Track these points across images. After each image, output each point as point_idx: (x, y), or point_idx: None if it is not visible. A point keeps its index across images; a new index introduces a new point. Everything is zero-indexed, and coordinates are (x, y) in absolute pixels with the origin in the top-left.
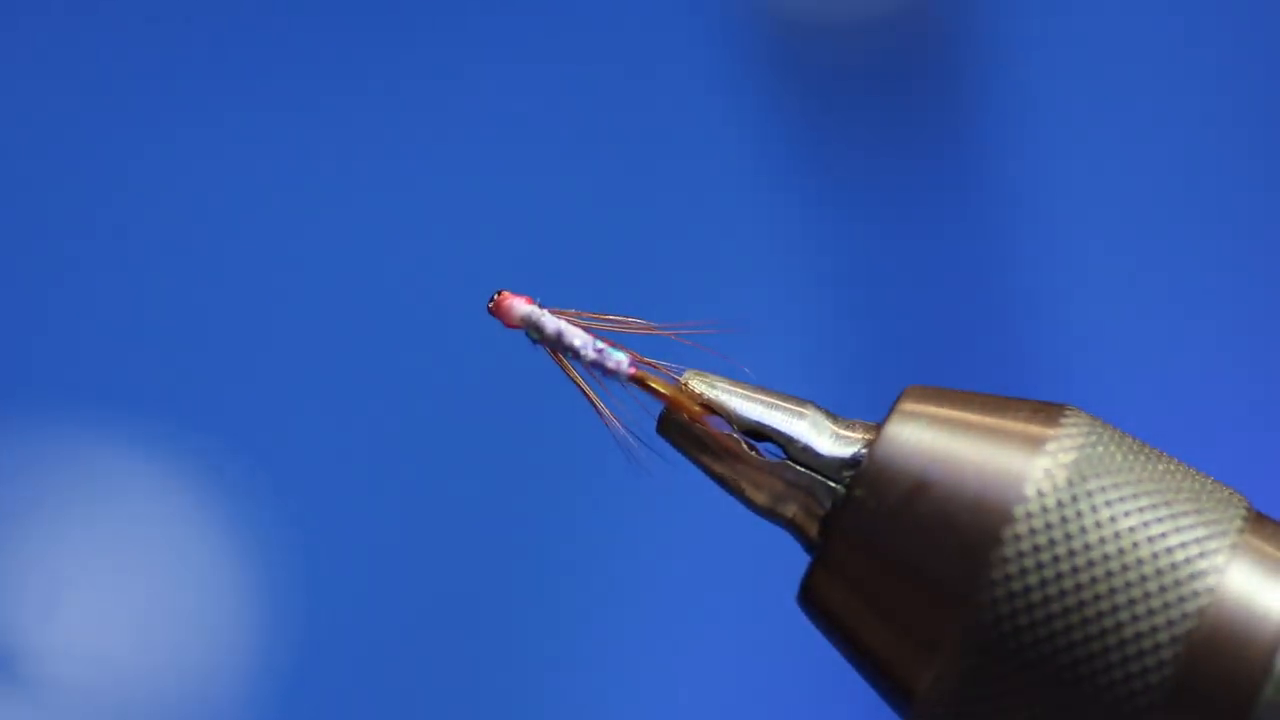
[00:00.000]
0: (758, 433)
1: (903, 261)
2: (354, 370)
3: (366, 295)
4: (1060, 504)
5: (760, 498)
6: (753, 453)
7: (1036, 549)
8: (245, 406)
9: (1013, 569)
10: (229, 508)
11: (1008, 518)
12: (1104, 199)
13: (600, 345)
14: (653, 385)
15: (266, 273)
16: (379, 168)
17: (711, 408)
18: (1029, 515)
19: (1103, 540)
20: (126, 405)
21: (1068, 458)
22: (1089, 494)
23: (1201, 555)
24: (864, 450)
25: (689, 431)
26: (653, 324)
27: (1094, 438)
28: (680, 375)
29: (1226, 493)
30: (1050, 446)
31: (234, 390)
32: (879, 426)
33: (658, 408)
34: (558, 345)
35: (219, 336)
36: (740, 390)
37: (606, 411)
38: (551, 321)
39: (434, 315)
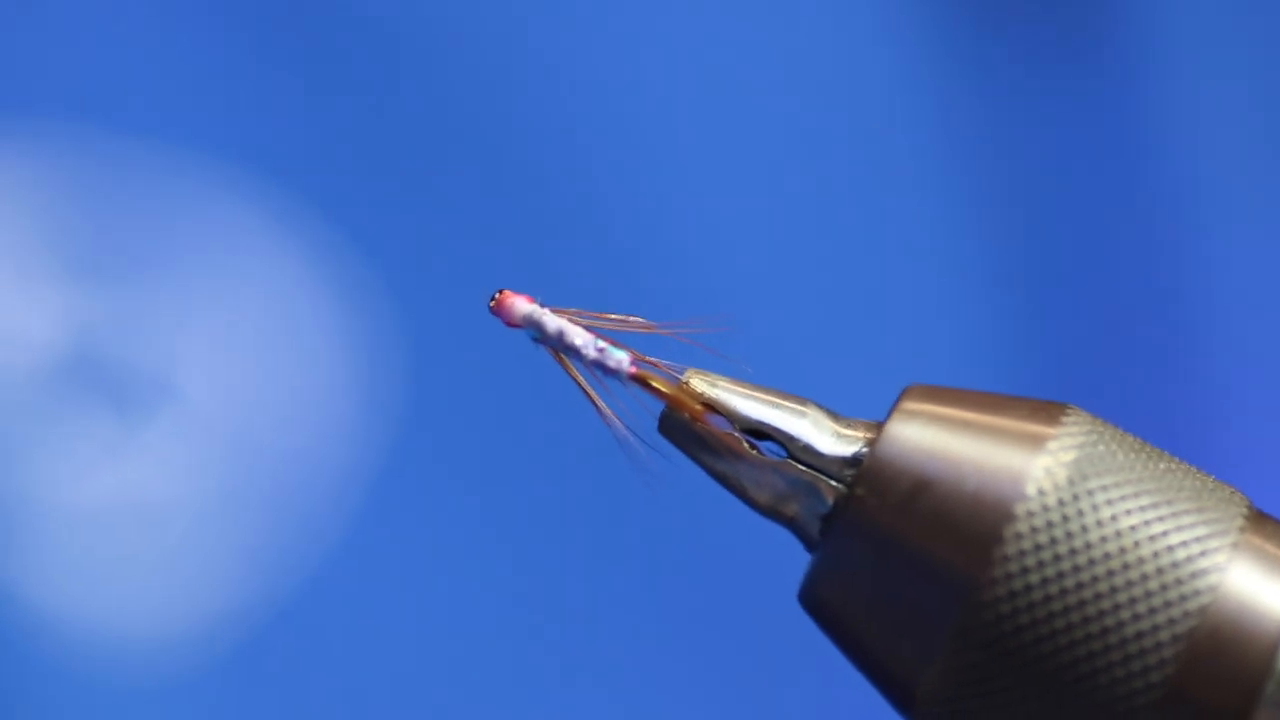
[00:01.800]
0: (759, 431)
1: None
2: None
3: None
4: (1061, 502)
5: (762, 497)
6: (754, 451)
7: (1038, 547)
8: (379, 205)
9: (1014, 567)
10: (345, 296)
11: (1009, 516)
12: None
13: (601, 344)
14: (654, 384)
15: (424, 83)
16: None
17: (713, 406)
18: (1030, 514)
19: (1104, 539)
20: (274, 179)
21: (1069, 456)
22: (1090, 492)
23: (1203, 554)
24: (865, 449)
25: (690, 430)
26: (654, 323)
27: (1095, 436)
28: (681, 374)
29: (1228, 491)
30: (1051, 445)
31: (372, 188)
32: (880, 425)
33: (659, 407)
34: (559, 345)
35: (374, 135)
36: (741, 389)
37: (608, 411)
38: (553, 321)
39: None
